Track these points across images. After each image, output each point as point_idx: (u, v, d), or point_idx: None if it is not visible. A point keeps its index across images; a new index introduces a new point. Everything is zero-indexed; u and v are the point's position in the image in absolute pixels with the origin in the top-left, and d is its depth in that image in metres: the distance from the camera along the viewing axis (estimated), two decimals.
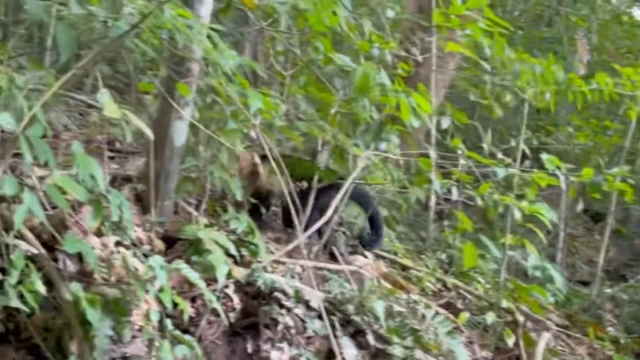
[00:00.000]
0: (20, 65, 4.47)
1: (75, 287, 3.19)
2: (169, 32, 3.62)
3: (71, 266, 3.50)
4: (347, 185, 4.65)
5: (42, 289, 3.07)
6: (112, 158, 5.28)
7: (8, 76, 3.03)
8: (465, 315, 4.96)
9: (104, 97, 3.21)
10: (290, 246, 4.33)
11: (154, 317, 3.28)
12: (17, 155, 3.60)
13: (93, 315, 3.10)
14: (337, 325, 3.89)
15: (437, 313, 4.47)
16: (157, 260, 3.36)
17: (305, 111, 4.57)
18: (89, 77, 4.54)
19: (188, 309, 3.59)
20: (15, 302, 2.88)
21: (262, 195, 4.78)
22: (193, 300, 3.82)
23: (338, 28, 4.36)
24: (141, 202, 4.18)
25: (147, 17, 3.19)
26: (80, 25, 3.71)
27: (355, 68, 4.49)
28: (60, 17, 3.55)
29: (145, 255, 3.69)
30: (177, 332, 3.37)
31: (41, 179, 3.64)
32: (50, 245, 3.49)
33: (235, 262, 3.95)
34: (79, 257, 3.53)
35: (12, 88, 3.14)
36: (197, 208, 4.44)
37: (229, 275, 3.77)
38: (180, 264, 3.47)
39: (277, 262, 4.27)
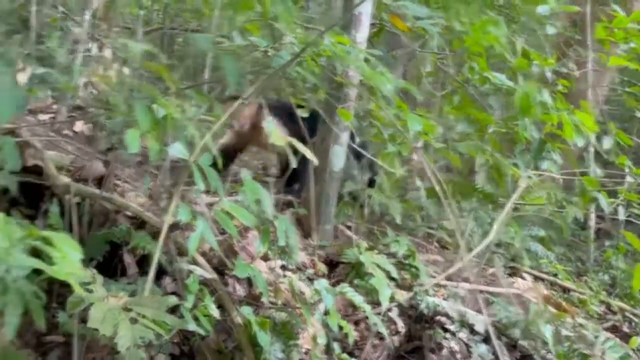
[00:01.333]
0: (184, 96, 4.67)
1: (246, 310, 3.26)
2: (327, 59, 3.69)
3: (240, 290, 3.60)
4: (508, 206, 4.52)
5: (215, 312, 3.17)
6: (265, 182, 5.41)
7: (180, 107, 3.17)
8: (636, 339, 4.69)
9: (270, 125, 3.29)
10: (453, 269, 4.26)
11: (321, 341, 3.30)
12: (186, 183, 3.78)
13: (264, 338, 3.16)
14: (504, 350, 3.77)
15: (607, 338, 4.25)
16: (322, 283, 3.40)
17: (464, 131, 4.51)
18: None
19: (352, 333, 3.60)
20: (192, 326, 2.98)
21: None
22: (356, 323, 3.82)
23: (495, 48, 4.28)
24: (302, 226, 4.26)
25: (310, 45, 3.25)
26: (243, 56, 3.86)
27: (513, 87, 4.40)
28: (224, 49, 3.70)
29: (310, 279, 3.75)
30: (345, 355, 3.38)
31: (209, 205, 3.77)
32: (220, 270, 3.60)
33: (397, 285, 3.94)
34: (248, 282, 3.63)
35: (183, 119, 3.28)
36: (355, 231, 4.46)
37: (392, 298, 3.76)
38: (344, 288, 3.49)
39: (437, 284, 4.21)
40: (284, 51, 3.41)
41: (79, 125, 4.78)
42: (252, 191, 3.34)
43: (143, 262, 3.52)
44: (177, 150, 3.09)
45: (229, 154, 4.76)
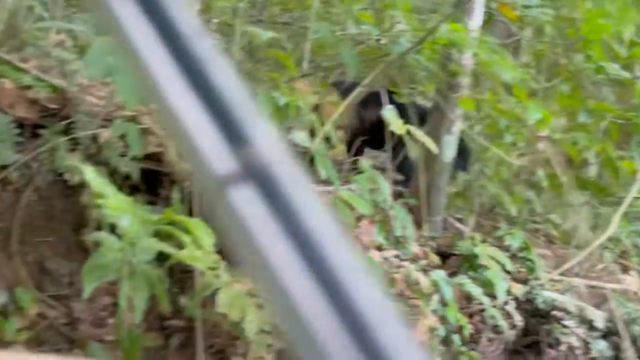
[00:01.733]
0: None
1: None
2: (443, 46, 3.63)
3: None
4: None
5: None
6: None
7: (302, 96, 3.17)
8: None
9: (390, 113, 3.26)
10: (570, 264, 4.15)
11: (441, 333, 3.26)
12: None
13: None
14: (629, 346, 3.65)
15: None
16: (440, 275, 3.35)
17: (580, 122, 4.38)
18: None
19: (467, 326, 3.54)
20: None
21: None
22: (470, 316, 3.76)
23: (615, 36, 4.13)
24: (413, 217, 4.21)
25: (432, 31, 3.20)
26: (356, 45, 3.83)
27: (630, 78, 4.25)
28: (340, 38, 3.69)
29: (424, 270, 3.70)
30: (464, 348, 3.32)
31: (322, 194, 3.77)
32: None
33: (512, 279, 3.85)
34: None
35: (305, 107, 3.28)
36: (464, 223, 4.39)
37: (508, 291, 3.68)
38: (462, 279, 3.43)
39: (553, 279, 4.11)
40: (404, 38, 3.36)
41: None
42: (368, 180, 3.32)
43: None
44: (299, 138, 3.10)
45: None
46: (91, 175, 2.63)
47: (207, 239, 2.60)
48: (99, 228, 3.39)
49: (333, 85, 4.19)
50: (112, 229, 2.98)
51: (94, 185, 2.62)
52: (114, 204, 2.59)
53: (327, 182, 3.55)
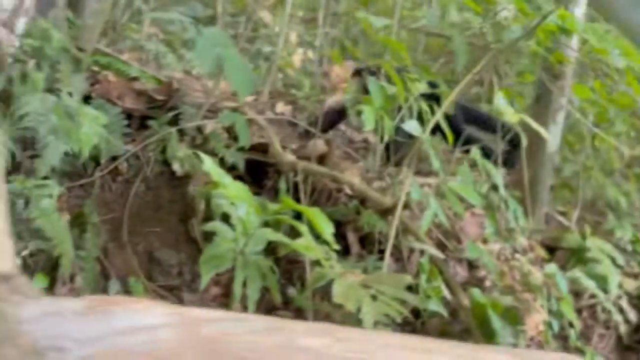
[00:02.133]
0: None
1: (476, 293, 3.17)
2: (552, 34, 3.52)
3: (461, 272, 3.51)
4: None
5: (446, 293, 3.09)
6: None
7: (413, 85, 3.11)
8: None
9: (500, 101, 3.18)
10: None
11: (555, 327, 3.16)
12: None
13: (497, 322, 3.06)
14: None
15: None
16: (553, 268, 3.25)
17: None
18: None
19: (577, 321, 3.44)
20: (433, 305, 2.92)
21: None
22: (579, 311, 3.64)
23: None
24: None
25: (546, 18, 3.10)
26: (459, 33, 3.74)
27: None
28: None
29: (531, 264, 3.60)
30: (580, 343, 3.22)
31: (426, 186, 3.70)
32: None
33: (624, 273, 3.72)
34: (467, 264, 3.53)
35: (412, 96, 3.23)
36: (565, 216, 4.27)
37: (619, 286, 3.55)
38: (576, 273, 3.33)
39: None
40: (517, 26, 3.27)
41: (280, 107, 4.84)
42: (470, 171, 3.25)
43: (364, 240, 3.49)
44: (411, 126, 3.04)
45: (334, 116, 4.34)
46: (209, 164, 2.62)
47: (327, 228, 2.57)
48: (206, 219, 3.41)
49: (357, 72, 4.06)
50: (224, 218, 2.99)
51: (213, 174, 2.62)
52: (234, 193, 2.58)
53: (433, 172, 3.49)
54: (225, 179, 2.63)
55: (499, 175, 3.15)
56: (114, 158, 3.32)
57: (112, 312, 1.06)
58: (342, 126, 4.44)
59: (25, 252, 2.83)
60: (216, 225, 2.82)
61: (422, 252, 3.14)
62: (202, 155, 2.67)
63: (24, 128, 2.98)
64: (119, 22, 4.62)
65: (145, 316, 1.06)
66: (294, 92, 4.95)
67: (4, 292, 1.10)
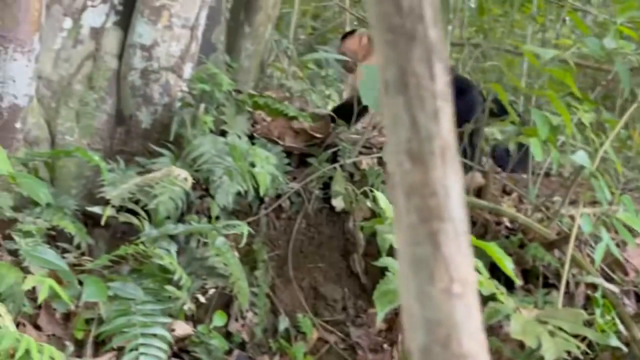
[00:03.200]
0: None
1: None
2: None
3: (630, 305, 3.40)
4: None
5: (621, 327, 3.00)
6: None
7: (583, 115, 3.06)
8: None
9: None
10: None
11: None
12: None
13: None
14: None
15: None
16: None
17: None
18: None
19: None
20: (614, 341, 2.84)
21: None
22: None
23: None
24: None
25: None
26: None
27: None
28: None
29: None
30: None
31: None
32: None
33: None
34: (636, 297, 3.42)
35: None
36: None
37: None
38: None
39: None
40: None
41: None
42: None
43: (527, 274, 3.44)
44: (580, 158, 2.99)
45: (350, 109, 4.05)
46: (384, 202, 2.66)
47: (508, 262, 2.55)
48: (366, 254, 3.45)
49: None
50: (390, 253, 3.01)
51: (387, 211, 2.65)
52: None
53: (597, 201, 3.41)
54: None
55: None
56: (278, 196, 3.40)
57: None
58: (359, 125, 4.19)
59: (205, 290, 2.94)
60: (387, 260, 2.83)
61: (594, 286, 3.05)
62: (377, 193, 2.70)
63: (196, 170, 3.10)
64: (266, 62, 4.75)
65: None
66: None
67: None
